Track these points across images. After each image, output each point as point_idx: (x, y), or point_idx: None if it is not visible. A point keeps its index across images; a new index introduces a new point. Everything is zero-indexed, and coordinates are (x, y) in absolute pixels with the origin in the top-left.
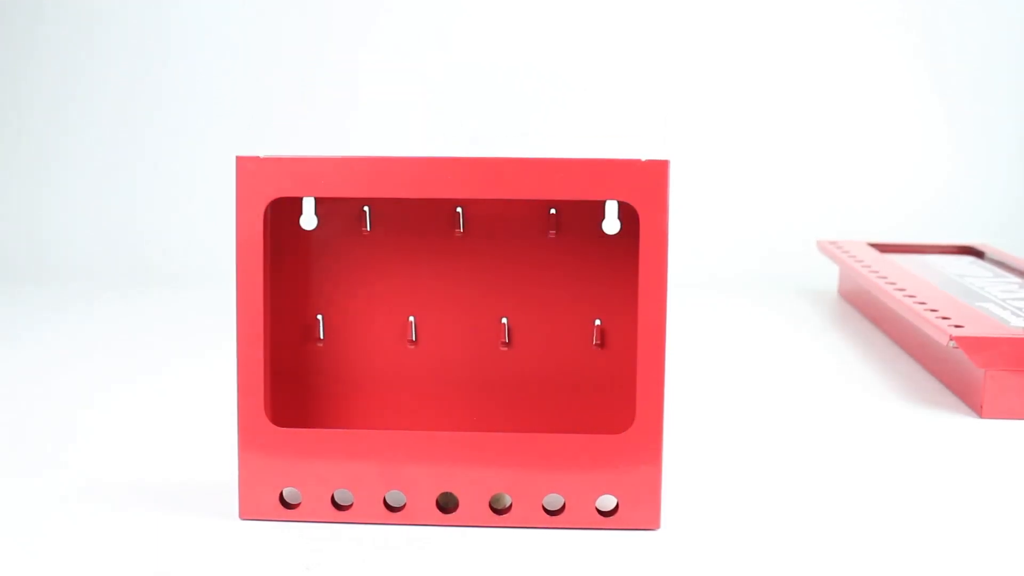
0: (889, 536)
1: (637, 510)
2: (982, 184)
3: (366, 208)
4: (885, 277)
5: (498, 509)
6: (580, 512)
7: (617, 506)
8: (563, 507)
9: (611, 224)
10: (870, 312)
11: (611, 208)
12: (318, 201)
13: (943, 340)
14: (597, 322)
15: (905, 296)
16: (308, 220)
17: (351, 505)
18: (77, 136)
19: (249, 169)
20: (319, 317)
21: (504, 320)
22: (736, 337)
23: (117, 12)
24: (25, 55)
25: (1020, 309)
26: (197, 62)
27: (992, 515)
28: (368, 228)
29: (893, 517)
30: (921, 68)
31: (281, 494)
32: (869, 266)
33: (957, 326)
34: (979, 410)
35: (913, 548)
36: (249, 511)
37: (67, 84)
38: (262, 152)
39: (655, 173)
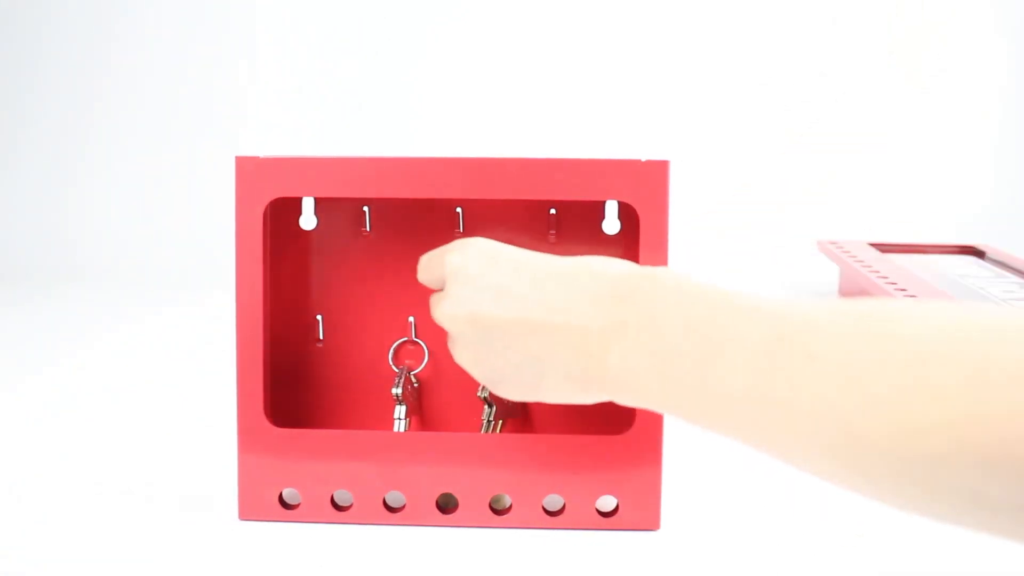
0: (887, 536)
1: (637, 511)
2: (982, 184)
3: (366, 208)
4: (885, 277)
5: (498, 509)
6: (580, 513)
7: (617, 507)
8: (563, 507)
9: (611, 224)
10: None
11: (611, 208)
12: (318, 201)
13: None
14: None
15: (906, 296)
16: (308, 220)
17: (351, 505)
18: (76, 137)
19: (249, 169)
20: (319, 317)
21: None
22: None
23: (114, 15)
24: (28, 56)
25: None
26: (196, 62)
27: None
28: (368, 228)
29: (891, 517)
30: (922, 69)
31: (281, 494)
32: (869, 266)
33: None
34: None
35: (911, 548)
36: (249, 511)
37: (66, 84)
38: (262, 152)
39: (655, 173)
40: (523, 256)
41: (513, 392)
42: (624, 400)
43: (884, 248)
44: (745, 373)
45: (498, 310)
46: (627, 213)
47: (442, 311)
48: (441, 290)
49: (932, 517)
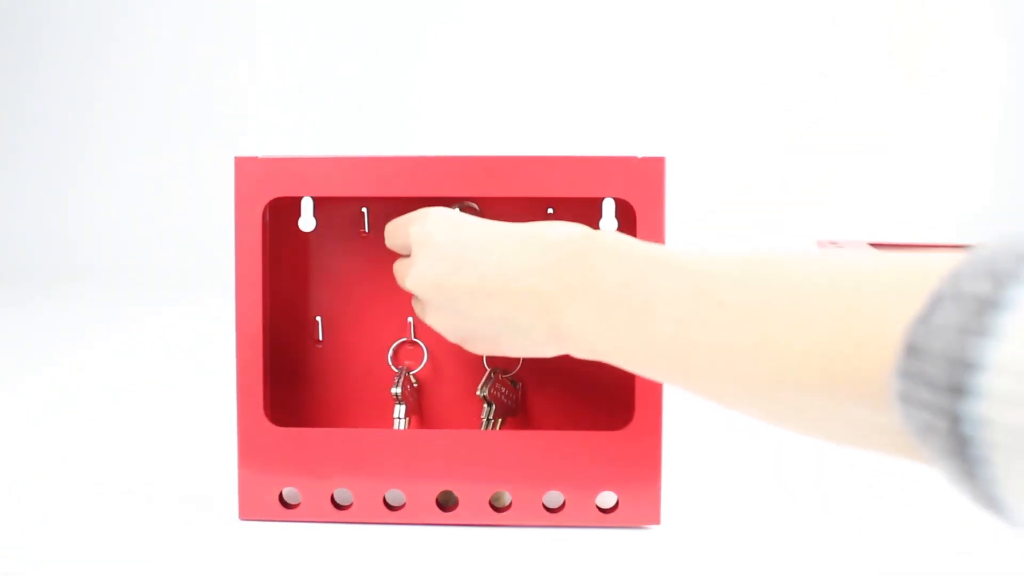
0: (886, 533)
1: (637, 506)
2: (982, 184)
3: (365, 209)
4: None
5: (498, 507)
6: (580, 509)
7: (617, 503)
8: (563, 504)
9: (608, 221)
10: None
11: (608, 205)
12: (317, 201)
13: None
14: None
15: None
16: (306, 221)
17: (351, 504)
18: (76, 137)
19: (248, 169)
20: (319, 317)
21: None
22: None
23: (114, 15)
24: (28, 56)
25: None
26: (196, 62)
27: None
28: (367, 229)
29: (890, 514)
30: (922, 69)
31: (281, 494)
32: None
33: None
34: None
35: (911, 545)
36: (249, 511)
37: (66, 84)
38: (262, 152)
39: (651, 170)
40: (481, 225)
41: (480, 349)
42: (579, 354)
43: (884, 248)
44: (671, 322)
45: (460, 278)
46: (624, 210)
47: (410, 278)
48: (407, 256)
49: (831, 441)
